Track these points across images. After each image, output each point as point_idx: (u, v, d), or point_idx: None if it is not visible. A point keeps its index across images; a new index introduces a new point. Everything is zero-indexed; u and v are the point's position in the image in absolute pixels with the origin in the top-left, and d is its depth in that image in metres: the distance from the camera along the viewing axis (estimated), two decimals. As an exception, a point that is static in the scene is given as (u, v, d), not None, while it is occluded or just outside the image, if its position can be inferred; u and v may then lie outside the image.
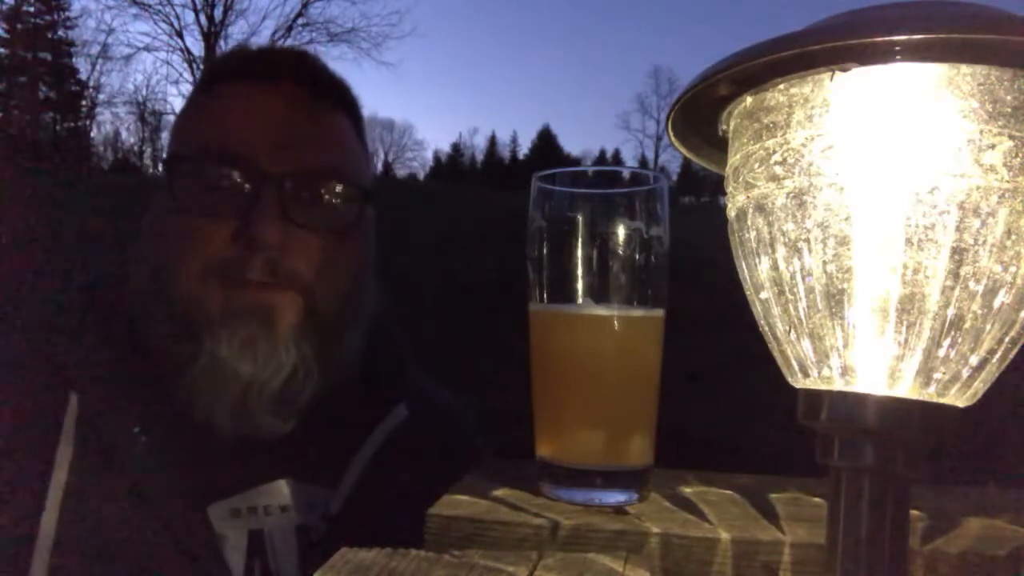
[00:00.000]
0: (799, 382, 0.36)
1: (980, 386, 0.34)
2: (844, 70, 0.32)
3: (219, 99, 0.70)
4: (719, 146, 0.41)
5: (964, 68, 0.31)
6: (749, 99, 0.36)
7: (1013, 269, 0.32)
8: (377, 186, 0.77)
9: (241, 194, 0.66)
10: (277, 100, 0.69)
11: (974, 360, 0.33)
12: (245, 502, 0.67)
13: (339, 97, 0.74)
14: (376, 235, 0.77)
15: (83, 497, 0.61)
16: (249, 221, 0.64)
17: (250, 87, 0.70)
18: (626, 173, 0.55)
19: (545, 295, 0.54)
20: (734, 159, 0.38)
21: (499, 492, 0.53)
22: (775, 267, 0.35)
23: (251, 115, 0.68)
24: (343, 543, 0.57)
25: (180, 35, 18.17)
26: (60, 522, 0.59)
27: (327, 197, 0.69)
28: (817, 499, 0.54)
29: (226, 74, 0.72)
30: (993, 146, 0.31)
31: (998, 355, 0.34)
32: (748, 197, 0.36)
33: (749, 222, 0.36)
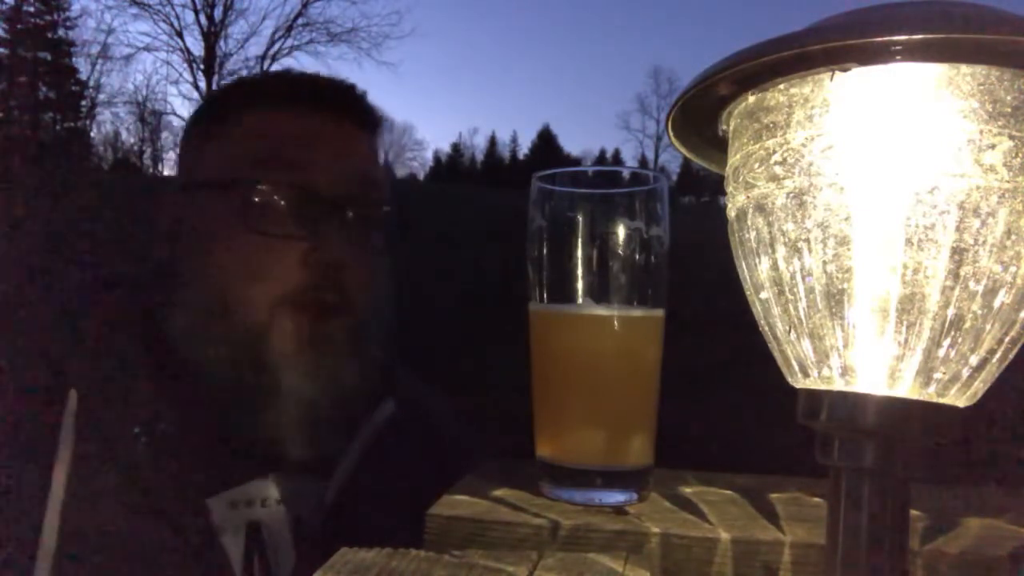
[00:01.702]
0: (799, 382, 0.36)
1: (980, 386, 0.34)
2: (844, 70, 0.32)
3: (278, 123, 0.72)
4: (719, 146, 0.41)
5: (964, 68, 0.31)
6: (749, 99, 0.36)
7: (1013, 269, 0.32)
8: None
9: (309, 216, 0.68)
10: (336, 128, 0.73)
11: (974, 360, 0.33)
12: (243, 495, 0.68)
13: (374, 124, 0.78)
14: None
15: (84, 495, 0.61)
16: (321, 245, 0.67)
17: (309, 114, 0.72)
18: (626, 173, 0.55)
19: (545, 295, 0.54)
20: (734, 159, 0.38)
21: (499, 492, 0.53)
22: (775, 267, 0.35)
23: (316, 141, 0.71)
24: (338, 532, 0.58)
25: (180, 35, 18.20)
26: (63, 521, 0.60)
27: (375, 219, 0.73)
28: (817, 499, 0.54)
29: (282, 97, 0.74)
30: (993, 146, 0.31)
31: (998, 355, 0.34)
32: (748, 197, 0.36)
33: (749, 222, 0.36)
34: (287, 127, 0.72)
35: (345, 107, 0.75)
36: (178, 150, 0.79)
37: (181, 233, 0.73)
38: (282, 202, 0.68)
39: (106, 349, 0.67)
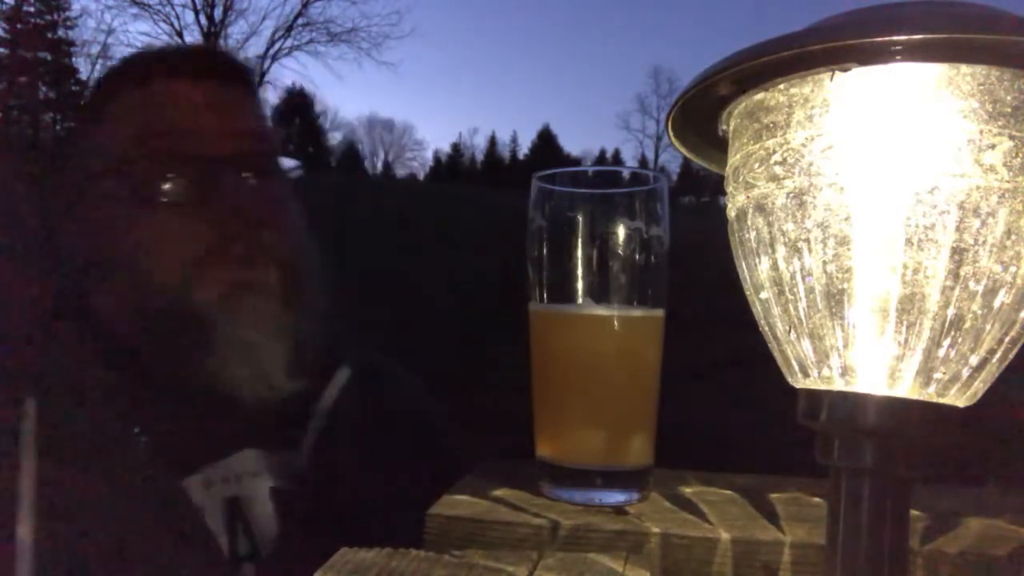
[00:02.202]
0: (799, 382, 0.36)
1: (980, 386, 0.34)
2: (844, 70, 0.32)
3: (153, 95, 0.74)
4: (719, 146, 0.41)
5: (964, 68, 0.31)
6: (749, 99, 0.36)
7: (1013, 269, 0.32)
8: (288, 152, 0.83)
9: (204, 180, 0.70)
10: (214, 93, 0.74)
11: (974, 360, 0.33)
12: (216, 473, 0.70)
13: (251, 82, 0.80)
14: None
15: (56, 499, 0.61)
16: (222, 203, 0.69)
17: (182, 83, 0.74)
18: (626, 173, 0.55)
19: (545, 295, 0.54)
20: (734, 159, 0.38)
21: (499, 492, 0.53)
22: (775, 267, 0.35)
23: (197, 107, 0.73)
24: (316, 497, 0.65)
25: (180, 35, 18.19)
26: (37, 529, 0.60)
27: (269, 171, 0.75)
28: (817, 499, 0.54)
29: (155, 73, 0.75)
30: (993, 146, 0.31)
31: (998, 355, 0.34)
32: (748, 197, 0.36)
33: (749, 222, 0.36)
34: (163, 100, 0.73)
35: (215, 70, 0.77)
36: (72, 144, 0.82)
37: (93, 220, 0.74)
38: (172, 172, 0.70)
39: (56, 348, 0.69)
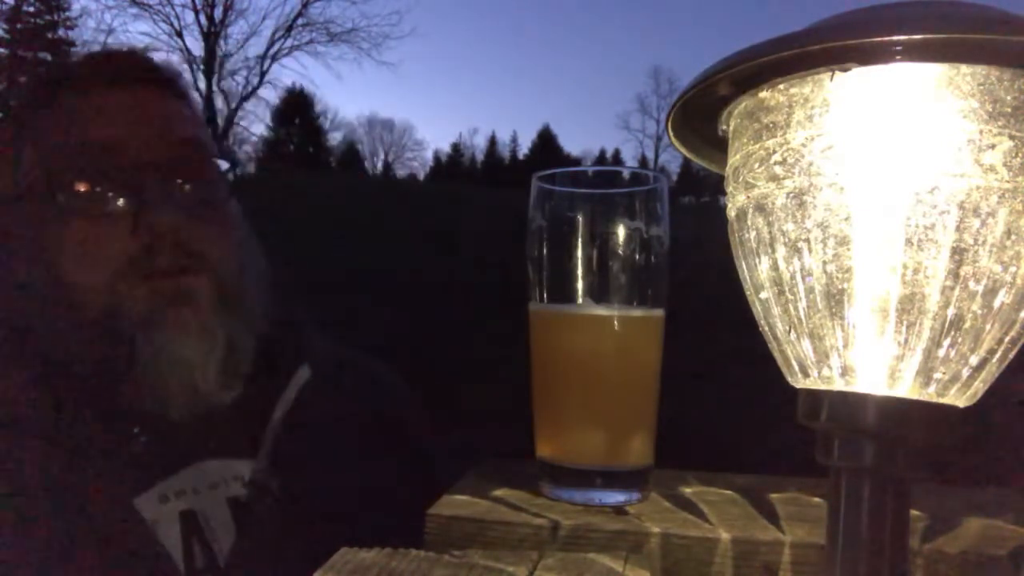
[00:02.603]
0: (799, 382, 0.36)
1: (980, 386, 0.34)
2: (844, 70, 0.32)
3: (80, 104, 0.72)
4: (719, 146, 0.41)
5: (964, 68, 0.31)
6: (749, 99, 0.36)
7: (1013, 269, 0.32)
8: (228, 154, 0.82)
9: (128, 187, 0.68)
10: (133, 97, 0.73)
11: (974, 360, 0.33)
12: (171, 487, 0.68)
13: (176, 85, 0.77)
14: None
15: (4, 520, 0.59)
16: (147, 212, 0.67)
17: (107, 88, 0.72)
18: (626, 173, 0.55)
19: (545, 295, 0.54)
20: (734, 159, 0.38)
21: (499, 492, 0.53)
22: (775, 267, 0.35)
23: (118, 113, 0.71)
24: (274, 505, 0.61)
25: (180, 35, 18.19)
26: None
27: (203, 176, 0.73)
28: (817, 499, 0.54)
29: (81, 80, 0.74)
30: (993, 146, 0.31)
31: (998, 355, 0.34)
32: (748, 197, 0.36)
33: (749, 222, 0.36)
34: (83, 108, 0.72)
35: (137, 75, 0.75)
36: None
37: (18, 234, 0.72)
38: (94, 183, 0.68)
39: (11, 368, 0.66)
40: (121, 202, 0.68)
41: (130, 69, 0.75)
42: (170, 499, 0.67)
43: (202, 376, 0.69)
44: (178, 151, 0.72)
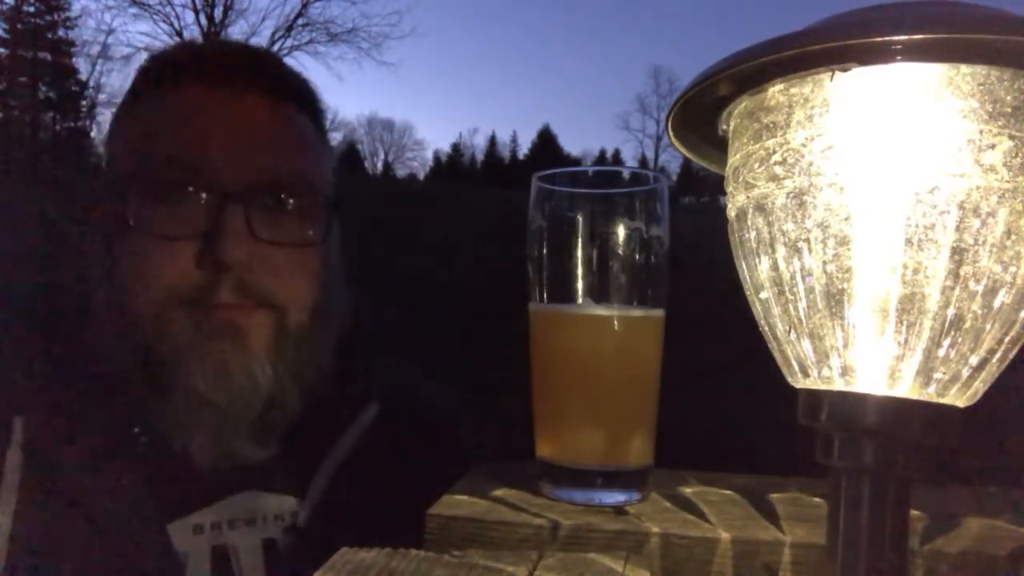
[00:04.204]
0: (799, 382, 0.36)
1: (980, 386, 0.34)
2: (844, 70, 0.32)
3: (169, 104, 0.65)
4: (719, 146, 0.41)
5: (964, 68, 0.31)
6: (749, 99, 0.36)
7: (1013, 269, 0.32)
8: (340, 187, 0.73)
9: (203, 211, 0.61)
10: (235, 105, 0.64)
11: (974, 360, 0.33)
12: (208, 517, 0.64)
13: (299, 97, 0.69)
14: (343, 236, 0.74)
15: (34, 527, 0.57)
16: (214, 241, 0.60)
17: (204, 90, 0.65)
18: (626, 173, 0.55)
19: (545, 295, 0.54)
20: (734, 159, 0.38)
21: (499, 492, 0.53)
22: (775, 267, 0.35)
23: (209, 123, 0.63)
24: (314, 554, 0.54)
25: (180, 35, 18.19)
26: (11, 554, 0.56)
27: (293, 208, 0.65)
28: (817, 499, 0.54)
29: (175, 76, 0.66)
30: (993, 146, 0.31)
31: (998, 355, 0.34)
32: (748, 197, 0.36)
33: (749, 222, 0.36)
34: (181, 109, 0.64)
35: (247, 77, 0.65)
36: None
37: (88, 237, 0.68)
38: (171, 202, 0.62)
39: (46, 369, 0.63)
40: (191, 227, 0.61)
41: (238, 68, 0.66)
42: (204, 531, 0.64)
43: (233, 427, 0.63)
44: (271, 178, 0.63)
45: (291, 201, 0.65)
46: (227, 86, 0.65)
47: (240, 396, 0.62)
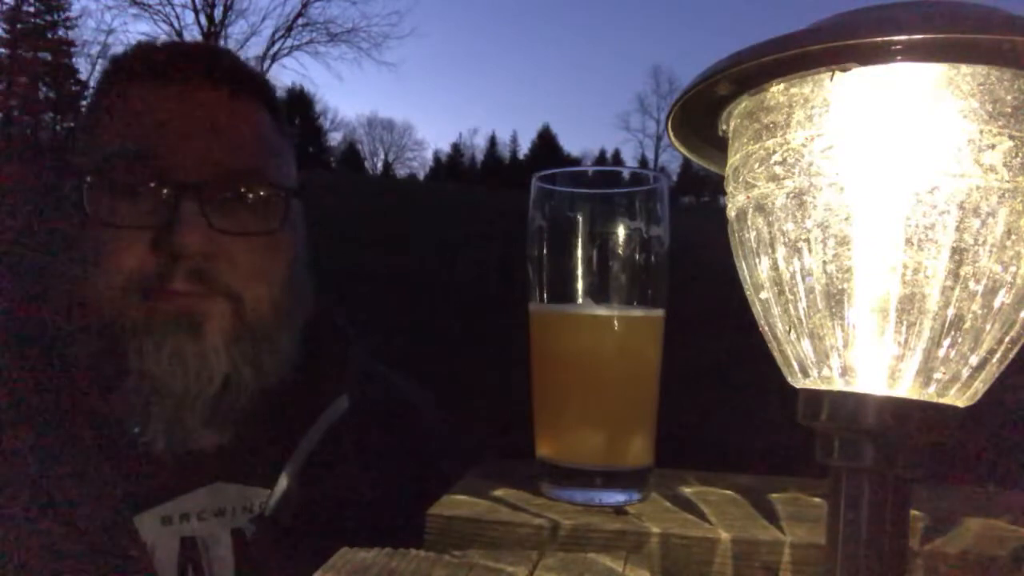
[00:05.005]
0: (799, 382, 0.36)
1: (980, 386, 0.34)
2: (844, 70, 0.32)
3: (128, 101, 0.67)
4: (719, 146, 0.41)
5: (964, 68, 0.31)
6: (749, 99, 0.36)
7: (1013, 269, 0.32)
8: (303, 179, 0.74)
9: (160, 202, 0.63)
10: (191, 99, 0.66)
11: (974, 360, 0.33)
12: (177, 509, 0.65)
13: (256, 91, 0.71)
14: (307, 228, 0.75)
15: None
16: (170, 230, 0.62)
17: (161, 87, 0.66)
18: (626, 173, 0.55)
19: (545, 295, 0.54)
20: (734, 159, 0.38)
21: (499, 492, 0.53)
22: (775, 267, 0.35)
23: (165, 117, 0.65)
24: (278, 545, 0.52)
25: (180, 35, 18.20)
26: None
27: (250, 200, 0.66)
28: (817, 499, 0.54)
29: (133, 73, 0.68)
30: (993, 146, 0.31)
31: (998, 355, 0.34)
32: (748, 197, 0.36)
33: (749, 222, 0.36)
34: (139, 105, 0.66)
35: (200, 71, 0.67)
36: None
37: (56, 230, 0.69)
38: (124, 194, 0.64)
39: (4, 360, 0.64)
40: (151, 218, 0.63)
41: (194, 64, 0.68)
42: (173, 522, 0.64)
43: (189, 412, 0.64)
44: (227, 169, 0.65)
45: (248, 193, 0.67)
46: (184, 82, 0.67)
47: (194, 382, 0.63)
